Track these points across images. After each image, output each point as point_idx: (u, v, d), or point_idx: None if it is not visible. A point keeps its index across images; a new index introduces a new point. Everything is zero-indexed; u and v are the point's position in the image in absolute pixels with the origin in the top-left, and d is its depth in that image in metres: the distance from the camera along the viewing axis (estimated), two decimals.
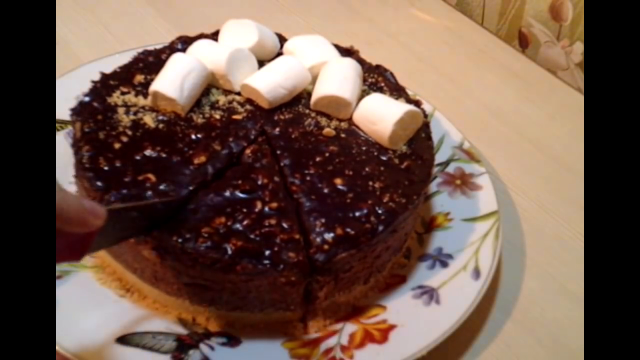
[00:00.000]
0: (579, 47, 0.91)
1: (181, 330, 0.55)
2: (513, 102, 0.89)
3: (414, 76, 0.76)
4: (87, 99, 0.61)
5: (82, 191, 0.58)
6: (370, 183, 0.58)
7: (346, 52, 0.71)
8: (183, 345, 0.54)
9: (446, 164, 0.72)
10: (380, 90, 0.67)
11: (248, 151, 0.59)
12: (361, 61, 0.70)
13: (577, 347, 0.61)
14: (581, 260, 0.69)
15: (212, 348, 0.54)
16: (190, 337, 0.55)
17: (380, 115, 0.61)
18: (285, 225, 0.53)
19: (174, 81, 0.59)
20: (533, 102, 0.89)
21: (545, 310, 0.64)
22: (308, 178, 0.57)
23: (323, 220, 0.54)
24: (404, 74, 0.74)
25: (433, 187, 0.69)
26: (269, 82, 0.61)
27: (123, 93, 0.62)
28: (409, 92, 0.70)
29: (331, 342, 0.55)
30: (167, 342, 0.54)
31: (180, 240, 0.51)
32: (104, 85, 0.62)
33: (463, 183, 0.70)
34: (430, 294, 0.59)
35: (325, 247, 0.52)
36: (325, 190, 0.56)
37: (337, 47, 0.69)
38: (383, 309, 0.58)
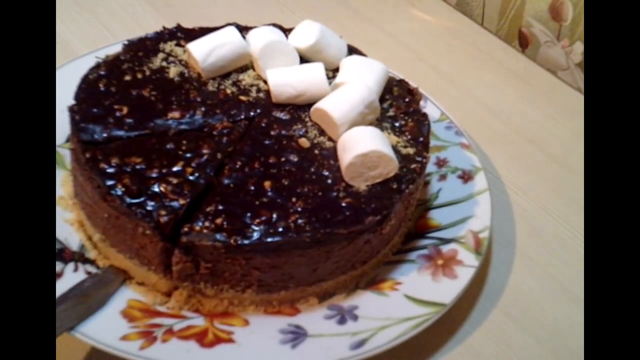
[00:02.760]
0: (579, 47, 0.91)
1: (76, 248, 0.57)
2: (513, 102, 0.89)
3: (414, 76, 0.75)
4: (150, 36, 0.67)
5: None
6: (294, 200, 0.55)
7: (409, 92, 0.68)
8: (58, 255, 0.56)
9: (447, 241, 0.64)
10: (400, 134, 0.63)
11: (220, 125, 0.60)
12: (414, 102, 0.67)
13: (577, 347, 0.61)
14: (581, 260, 0.69)
15: (75, 269, 0.55)
16: (73, 254, 0.57)
17: (351, 146, 0.57)
18: (185, 191, 0.53)
19: (206, 46, 0.63)
20: (533, 102, 0.89)
21: (545, 310, 0.64)
22: (246, 170, 0.56)
23: (220, 207, 0.53)
24: (404, 74, 0.74)
25: (412, 255, 0.62)
26: (280, 78, 0.63)
27: (178, 45, 0.67)
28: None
29: (166, 321, 0.53)
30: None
31: (88, 157, 0.54)
32: (171, 35, 0.68)
33: (444, 265, 0.61)
34: (293, 333, 0.55)
35: (197, 228, 0.52)
36: (250, 187, 0.55)
37: (401, 83, 0.68)
38: (246, 323, 0.55)
